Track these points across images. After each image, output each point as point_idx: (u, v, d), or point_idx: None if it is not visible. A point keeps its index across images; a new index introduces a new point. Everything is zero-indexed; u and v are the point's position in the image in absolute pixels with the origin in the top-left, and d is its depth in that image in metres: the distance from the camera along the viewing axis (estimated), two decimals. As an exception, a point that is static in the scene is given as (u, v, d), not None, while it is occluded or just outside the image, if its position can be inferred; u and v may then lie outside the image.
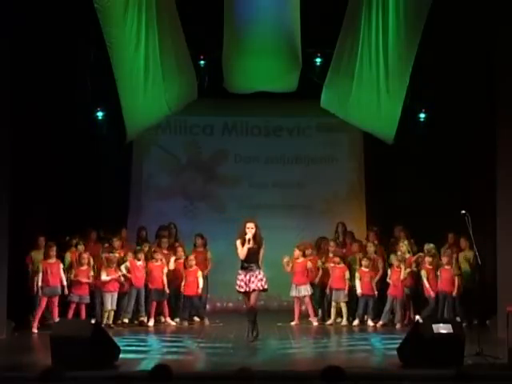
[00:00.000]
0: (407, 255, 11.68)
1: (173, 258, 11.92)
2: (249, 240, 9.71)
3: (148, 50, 10.44)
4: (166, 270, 11.76)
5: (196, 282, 11.75)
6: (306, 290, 11.77)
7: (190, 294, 11.76)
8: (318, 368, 6.13)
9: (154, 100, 11.02)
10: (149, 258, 11.83)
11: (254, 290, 9.70)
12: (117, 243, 11.85)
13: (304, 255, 11.91)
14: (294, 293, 11.84)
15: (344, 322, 11.63)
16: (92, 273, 11.33)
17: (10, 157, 10.42)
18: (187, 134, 14.42)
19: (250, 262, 9.76)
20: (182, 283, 11.77)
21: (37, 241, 11.34)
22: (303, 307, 11.99)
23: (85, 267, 11.26)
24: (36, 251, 11.34)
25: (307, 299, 11.81)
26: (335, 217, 13.56)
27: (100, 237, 12.26)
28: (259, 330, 9.81)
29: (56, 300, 11.01)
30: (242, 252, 9.75)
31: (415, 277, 11.55)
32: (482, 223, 10.02)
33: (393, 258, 11.64)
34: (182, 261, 11.97)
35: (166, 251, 12.09)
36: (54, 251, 11.09)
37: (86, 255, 11.34)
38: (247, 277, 9.72)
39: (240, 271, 9.81)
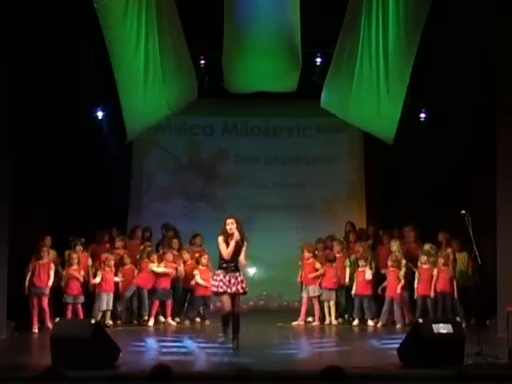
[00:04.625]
0: (398, 254, 11.65)
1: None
2: (237, 241, 9.07)
3: (148, 49, 10.44)
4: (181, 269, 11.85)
5: (208, 281, 11.59)
6: (314, 291, 11.75)
7: (202, 294, 11.70)
8: (317, 368, 6.12)
9: (153, 100, 11.02)
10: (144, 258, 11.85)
11: (235, 294, 9.10)
12: (119, 243, 11.87)
13: (314, 256, 11.89)
14: (304, 293, 11.79)
15: (333, 321, 11.64)
16: (85, 272, 11.32)
17: (9, 157, 10.41)
18: (187, 134, 14.42)
19: (230, 262, 9.13)
20: (193, 282, 11.73)
21: (43, 240, 11.31)
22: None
23: (75, 267, 11.25)
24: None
25: (316, 300, 11.78)
26: (335, 217, 13.59)
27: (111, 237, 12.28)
28: (239, 337, 9.16)
29: (45, 301, 10.88)
30: (228, 251, 9.07)
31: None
32: (482, 223, 10.00)
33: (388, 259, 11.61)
34: (190, 260, 11.95)
35: (176, 252, 12.11)
36: (45, 251, 11.01)
37: (75, 255, 11.31)
38: (227, 277, 9.06)
39: (218, 271, 9.19)
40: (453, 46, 11.50)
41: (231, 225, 9.17)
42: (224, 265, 9.16)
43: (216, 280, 9.18)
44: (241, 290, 9.13)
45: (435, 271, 11.25)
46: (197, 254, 12.00)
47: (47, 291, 10.90)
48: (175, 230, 12.66)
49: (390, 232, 12.32)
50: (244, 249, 9.26)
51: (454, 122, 12.02)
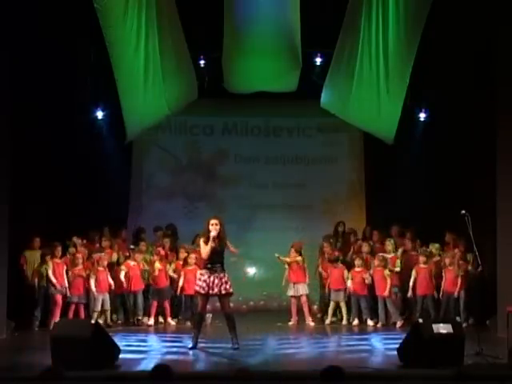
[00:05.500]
0: (391, 254, 11.65)
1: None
2: (213, 238, 9.00)
3: (148, 49, 10.45)
4: (171, 271, 11.82)
5: (193, 281, 11.64)
6: (303, 289, 11.75)
7: (190, 294, 11.58)
8: (317, 368, 6.13)
9: (153, 100, 11.03)
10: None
11: (221, 295, 9.02)
12: (105, 243, 11.86)
13: (300, 254, 11.89)
14: (291, 292, 11.81)
15: (344, 321, 11.64)
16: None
17: (10, 157, 10.41)
18: (187, 134, 14.43)
19: (215, 262, 9.03)
20: (180, 282, 11.68)
21: (32, 241, 11.32)
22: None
23: (80, 267, 11.25)
24: (30, 251, 11.31)
25: (304, 298, 11.77)
26: (335, 217, 13.58)
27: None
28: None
29: (61, 299, 11.07)
30: (205, 251, 9.04)
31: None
32: (482, 223, 10.00)
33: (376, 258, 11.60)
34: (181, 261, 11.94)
35: (168, 252, 12.06)
36: (59, 251, 11.15)
37: (79, 255, 11.32)
38: (211, 278, 8.97)
39: (203, 271, 9.11)
40: (453, 46, 11.50)
41: (215, 225, 9.13)
42: (208, 265, 9.10)
43: (200, 280, 9.11)
44: (223, 291, 8.99)
45: (443, 272, 11.26)
46: (185, 254, 11.95)
47: (65, 290, 11.11)
48: (162, 230, 12.66)
49: (384, 232, 12.31)
50: (228, 244, 9.20)
51: (454, 122, 12.02)
